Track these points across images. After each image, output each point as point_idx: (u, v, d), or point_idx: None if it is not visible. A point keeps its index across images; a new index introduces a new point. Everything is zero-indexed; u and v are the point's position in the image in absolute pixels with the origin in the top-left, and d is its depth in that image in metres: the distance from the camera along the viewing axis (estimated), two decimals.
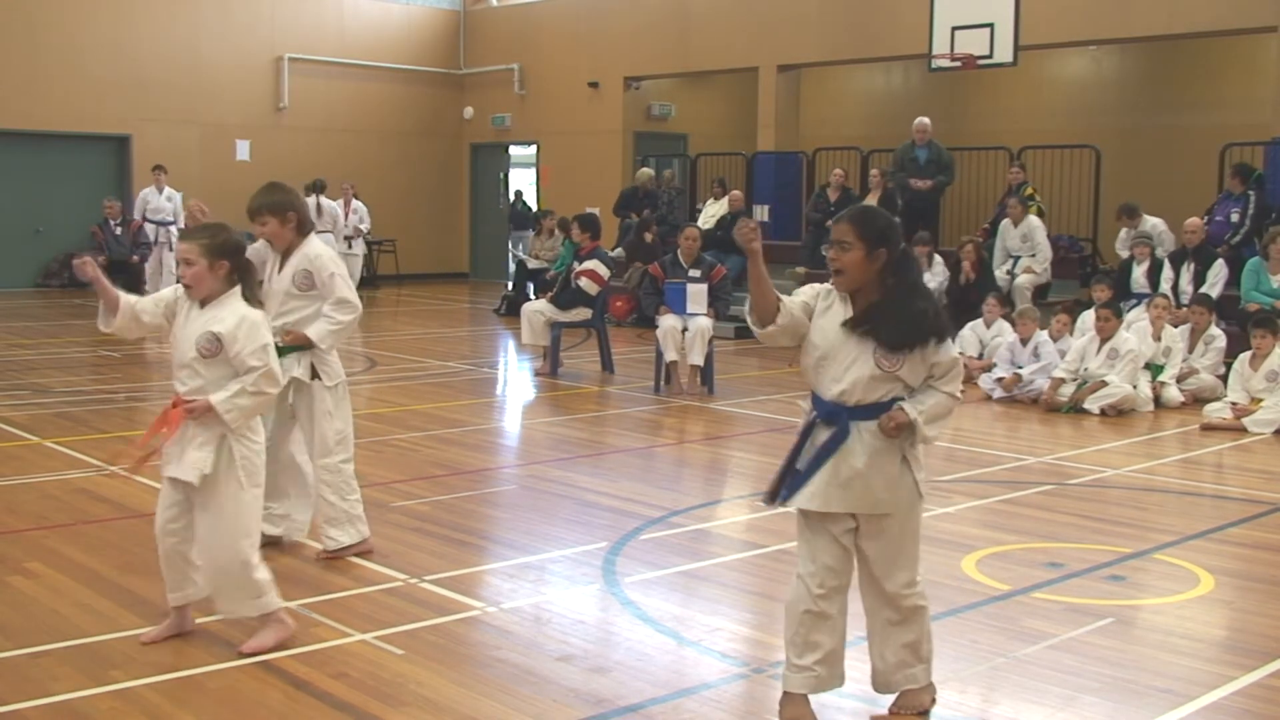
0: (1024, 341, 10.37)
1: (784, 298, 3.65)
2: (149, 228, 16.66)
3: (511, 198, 20.87)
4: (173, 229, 15.96)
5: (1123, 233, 12.91)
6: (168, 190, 16.80)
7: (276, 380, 4.25)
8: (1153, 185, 15.49)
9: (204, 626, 4.45)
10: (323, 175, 17.28)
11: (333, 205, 16.81)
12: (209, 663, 4.16)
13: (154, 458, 4.36)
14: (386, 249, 21.24)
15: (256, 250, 5.20)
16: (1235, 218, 12.17)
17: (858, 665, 3.80)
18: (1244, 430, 8.83)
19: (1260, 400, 9.11)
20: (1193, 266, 11.63)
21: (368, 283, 20.40)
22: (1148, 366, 10.01)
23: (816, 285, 3.77)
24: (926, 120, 14.54)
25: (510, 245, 19.93)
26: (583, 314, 11.32)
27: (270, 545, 5.31)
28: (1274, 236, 11.17)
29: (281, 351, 5.12)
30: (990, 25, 13.97)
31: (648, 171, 17.49)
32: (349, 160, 20.59)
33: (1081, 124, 16.29)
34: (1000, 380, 10.22)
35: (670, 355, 10.33)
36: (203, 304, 4.26)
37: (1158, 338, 10.20)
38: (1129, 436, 8.78)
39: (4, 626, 4.49)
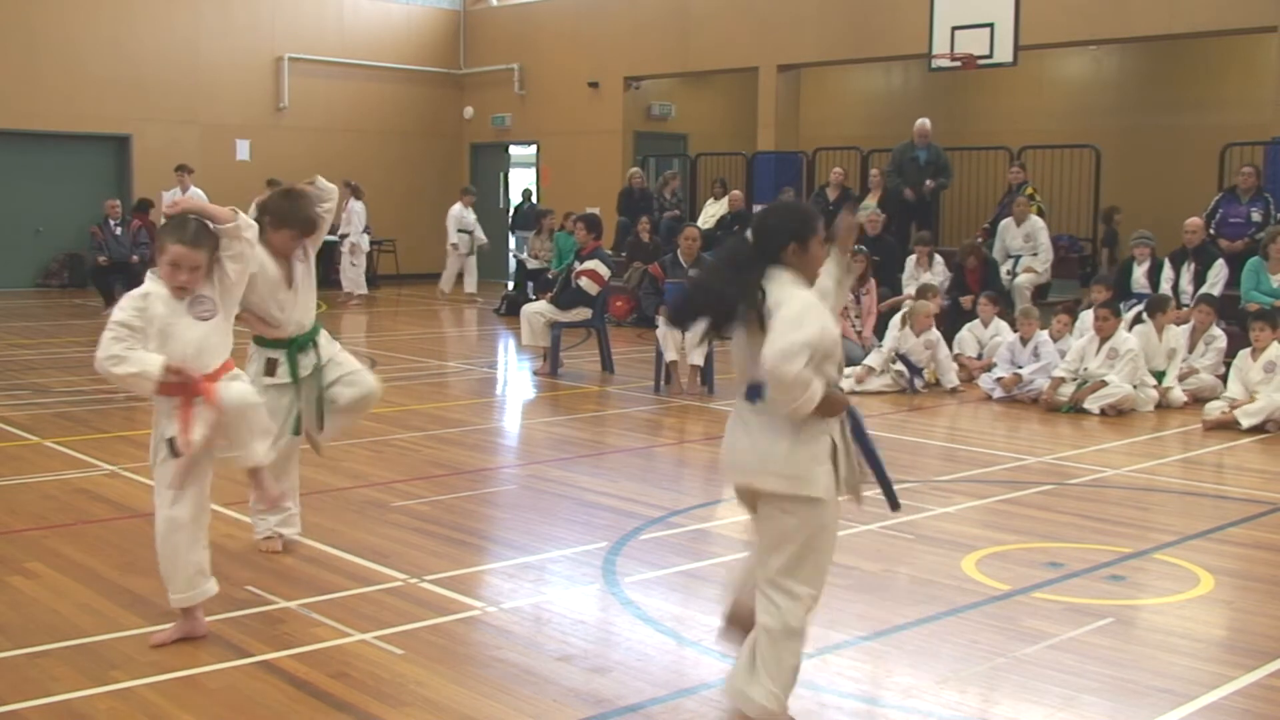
0: (1024, 341, 10.38)
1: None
2: None
3: (519, 198, 20.84)
4: None
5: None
6: (192, 189, 16.76)
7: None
8: (1153, 185, 15.51)
9: None
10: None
11: None
12: (209, 663, 4.16)
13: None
14: (386, 249, 21.23)
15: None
16: (1258, 216, 12.13)
17: (858, 665, 3.80)
18: (1237, 423, 8.84)
19: (1257, 395, 9.11)
20: (1193, 266, 11.63)
21: (368, 282, 20.38)
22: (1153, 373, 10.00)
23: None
24: (927, 122, 14.55)
25: (514, 246, 19.90)
26: (583, 314, 11.31)
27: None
28: (1274, 236, 11.18)
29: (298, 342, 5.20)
30: (990, 25, 13.97)
31: (637, 170, 17.66)
32: (349, 160, 20.56)
33: (1081, 124, 16.28)
34: (1000, 380, 10.23)
35: (670, 355, 10.33)
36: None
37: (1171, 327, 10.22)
38: (1129, 436, 8.78)
39: (4, 626, 4.49)
